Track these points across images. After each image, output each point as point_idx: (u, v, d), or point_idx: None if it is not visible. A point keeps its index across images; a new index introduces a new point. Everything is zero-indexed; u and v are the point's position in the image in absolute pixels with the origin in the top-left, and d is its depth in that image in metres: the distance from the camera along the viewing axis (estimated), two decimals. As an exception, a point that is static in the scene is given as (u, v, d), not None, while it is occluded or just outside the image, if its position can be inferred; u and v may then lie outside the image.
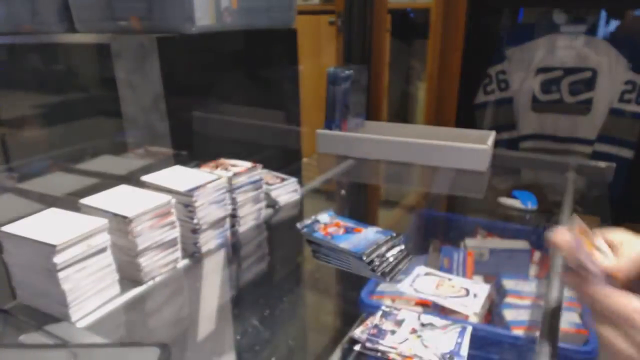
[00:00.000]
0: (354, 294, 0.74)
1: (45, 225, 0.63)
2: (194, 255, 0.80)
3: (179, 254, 0.76)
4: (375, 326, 0.63)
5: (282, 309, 0.74)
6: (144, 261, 0.70)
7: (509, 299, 0.86)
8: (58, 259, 0.59)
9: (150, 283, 0.72)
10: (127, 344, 0.60)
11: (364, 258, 0.73)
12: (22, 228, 0.62)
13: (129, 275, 0.71)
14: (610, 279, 0.45)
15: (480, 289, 0.79)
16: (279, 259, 0.92)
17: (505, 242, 1.04)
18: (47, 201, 1.02)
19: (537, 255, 1.04)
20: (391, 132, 1.36)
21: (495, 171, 1.27)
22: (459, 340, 0.61)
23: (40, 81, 1.13)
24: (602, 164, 1.28)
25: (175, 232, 0.75)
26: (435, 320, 0.65)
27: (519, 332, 0.74)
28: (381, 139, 1.32)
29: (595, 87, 1.66)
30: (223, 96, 1.21)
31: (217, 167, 0.89)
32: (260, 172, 0.92)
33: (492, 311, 0.86)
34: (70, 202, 0.72)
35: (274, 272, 0.89)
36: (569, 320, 0.78)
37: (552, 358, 0.57)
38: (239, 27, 1.15)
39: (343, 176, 1.30)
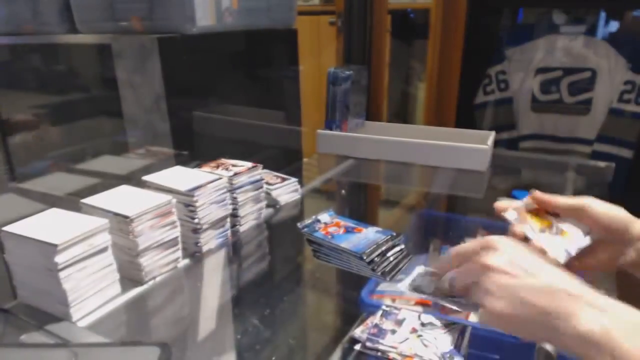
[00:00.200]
0: (354, 293, 0.74)
1: (47, 225, 0.63)
2: (195, 255, 0.80)
3: (179, 253, 0.77)
4: (376, 326, 0.63)
5: (283, 309, 0.75)
6: (145, 261, 0.71)
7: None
8: (59, 259, 0.59)
9: (151, 283, 0.72)
10: (128, 343, 0.60)
11: (364, 258, 0.73)
12: (24, 228, 0.62)
13: (130, 275, 0.71)
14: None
15: None
16: (280, 258, 0.92)
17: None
18: (49, 201, 1.03)
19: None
20: (391, 133, 1.36)
21: (495, 171, 1.28)
22: (459, 339, 0.61)
23: (41, 81, 1.13)
24: (601, 164, 1.28)
25: (176, 232, 0.75)
26: (436, 319, 0.65)
27: (519, 331, 0.74)
28: (381, 139, 1.32)
29: (594, 87, 1.66)
30: (224, 96, 1.21)
31: (217, 167, 0.89)
32: (261, 172, 0.92)
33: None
34: (72, 202, 0.72)
35: (275, 271, 0.89)
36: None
37: (552, 358, 0.57)
38: (239, 27, 1.15)
39: (343, 176, 1.30)
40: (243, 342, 0.66)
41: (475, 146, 1.22)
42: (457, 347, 0.60)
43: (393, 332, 0.63)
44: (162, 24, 1.01)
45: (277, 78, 1.38)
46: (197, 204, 0.77)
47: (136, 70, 1.03)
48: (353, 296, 0.74)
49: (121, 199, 0.73)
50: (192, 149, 1.08)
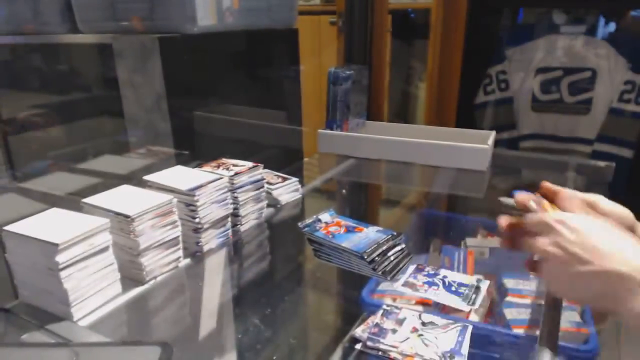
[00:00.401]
0: (355, 293, 0.74)
1: (48, 225, 0.63)
2: (196, 255, 0.80)
3: (180, 253, 0.77)
4: (377, 325, 0.64)
5: (284, 308, 0.75)
6: (146, 260, 0.71)
7: (509, 298, 0.86)
8: (60, 258, 0.59)
9: (152, 282, 0.72)
10: (129, 342, 0.60)
11: (365, 257, 0.73)
12: (25, 227, 0.62)
13: (131, 275, 0.71)
14: None
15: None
16: (281, 258, 0.92)
17: (505, 241, 1.04)
18: (50, 201, 1.03)
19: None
20: (392, 132, 1.36)
21: (495, 171, 1.28)
22: (460, 339, 0.61)
23: (42, 81, 1.13)
24: (601, 164, 1.28)
25: (177, 232, 0.75)
26: (436, 319, 0.66)
27: (519, 331, 0.74)
28: (382, 139, 1.32)
29: (594, 87, 1.66)
30: (224, 96, 1.21)
31: (218, 166, 0.90)
32: (262, 172, 0.92)
33: (493, 310, 0.86)
34: (73, 201, 0.73)
35: (276, 271, 0.89)
36: (569, 319, 0.78)
37: (552, 357, 0.57)
38: (240, 27, 1.15)
39: (344, 176, 1.30)
40: (244, 341, 0.67)
41: (476, 146, 1.22)
42: (457, 346, 0.60)
43: (394, 331, 0.63)
44: (163, 23, 1.01)
45: (278, 78, 1.38)
46: (198, 204, 0.77)
47: (137, 70, 1.03)
48: (354, 296, 0.74)
49: (122, 198, 0.73)
50: (193, 149, 1.08)
